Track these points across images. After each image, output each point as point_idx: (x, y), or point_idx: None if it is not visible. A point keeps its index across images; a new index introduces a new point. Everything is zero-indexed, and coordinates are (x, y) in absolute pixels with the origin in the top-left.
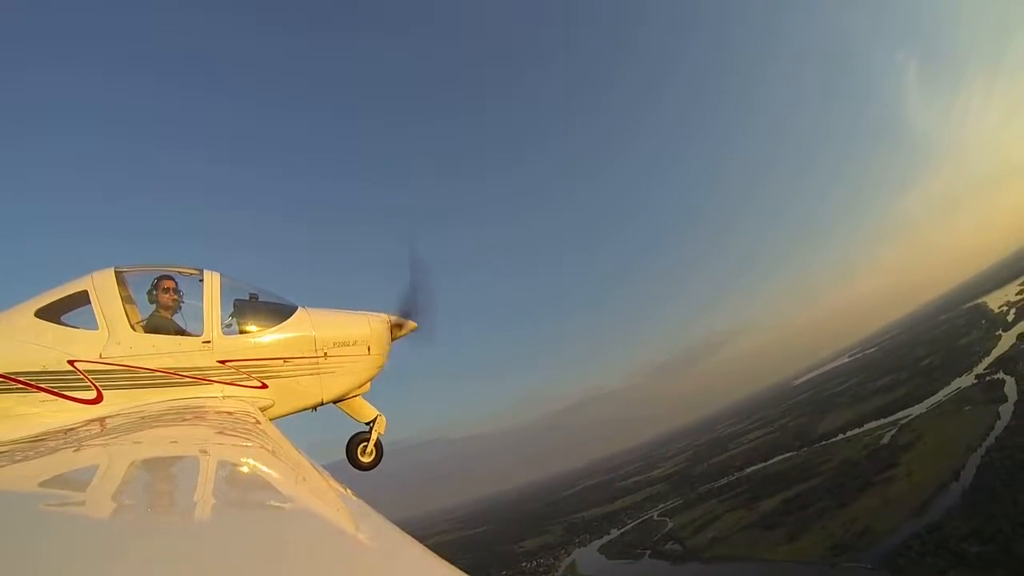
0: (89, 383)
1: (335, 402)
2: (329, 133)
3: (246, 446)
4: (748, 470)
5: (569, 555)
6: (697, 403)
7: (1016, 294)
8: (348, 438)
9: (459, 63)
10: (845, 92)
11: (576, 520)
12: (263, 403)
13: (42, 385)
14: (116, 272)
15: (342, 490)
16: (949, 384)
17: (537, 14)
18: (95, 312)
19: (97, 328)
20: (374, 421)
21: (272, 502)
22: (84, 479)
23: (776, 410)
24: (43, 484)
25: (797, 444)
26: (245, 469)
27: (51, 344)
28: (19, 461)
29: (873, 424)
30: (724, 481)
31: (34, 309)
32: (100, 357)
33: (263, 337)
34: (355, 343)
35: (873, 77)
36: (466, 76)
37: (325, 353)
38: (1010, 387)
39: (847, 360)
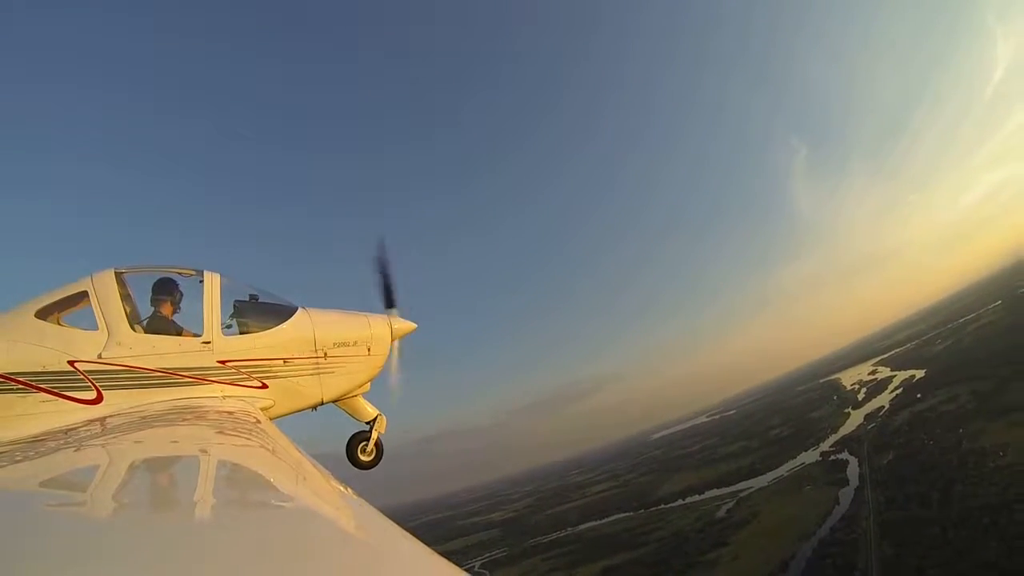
0: (89, 383)
1: (335, 402)
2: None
3: (246, 446)
4: (582, 527)
5: None
6: (556, 446)
7: (868, 374)
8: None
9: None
10: (741, 166)
11: None
12: (263, 403)
13: (42, 385)
14: (116, 273)
15: (342, 489)
16: (795, 458)
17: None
18: (95, 313)
19: (97, 329)
20: (374, 421)
21: (272, 501)
22: (85, 479)
23: (628, 463)
24: (43, 484)
25: (636, 504)
26: (245, 469)
27: (51, 344)
28: (19, 461)
29: (714, 492)
30: (555, 536)
31: (34, 309)
32: (100, 357)
33: (263, 337)
34: (355, 343)
35: (767, 156)
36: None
37: (325, 353)
38: (852, 469)
39: (705, 420)
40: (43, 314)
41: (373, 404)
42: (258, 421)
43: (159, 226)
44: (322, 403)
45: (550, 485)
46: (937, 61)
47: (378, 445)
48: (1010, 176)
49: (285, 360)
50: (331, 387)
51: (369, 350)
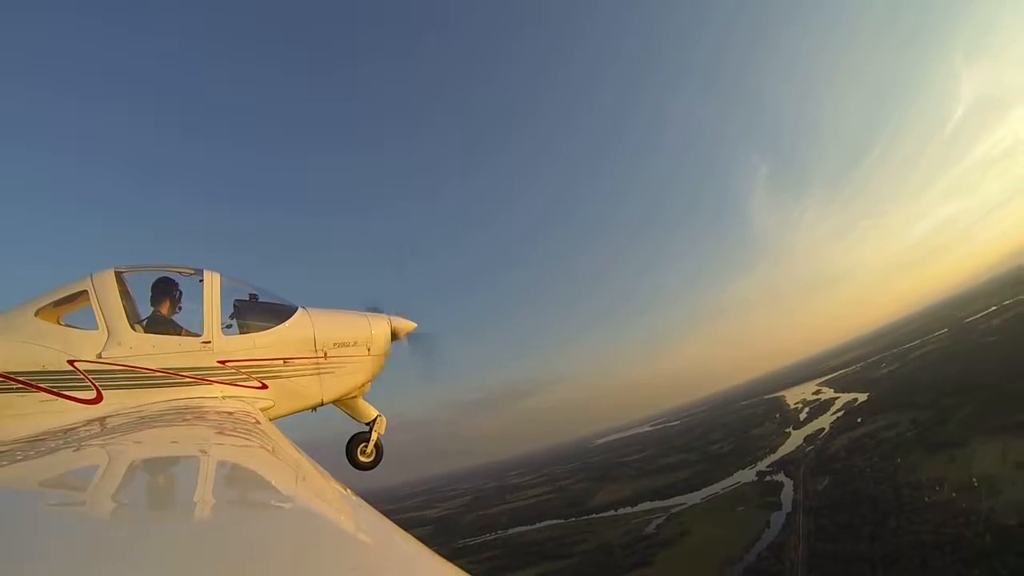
0: (89, 383)
1: (335, 402)
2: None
3: (246, 446)
4: (512, 531)
5: None
6: (503, 444)
7: (813, 393)
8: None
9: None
10: (711, 183)
11: None
12: (263, 403)
13: (42, 385)
14: (116, 272)
15: (341, 490)
16: (731, 475)
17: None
18: (95, 312)
19: (97, 328)
20: (374, 421)
21: (272, 502)
22: (84, 479)
23: (567, 468)
24: (43, 484)
25: (568, 512)
26: (245, 469)
27: (51, 344)
28: (19, 461)
29: (647, 506)
30: (484, 539)
31: (34, 309)
32: (100, 357)
33: (263, 338)
34: (355, 344)
35: (734, 174)
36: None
37: (325, 354)
38: (787, 493)
39: (649, 429)
40: (43, 313)
41: (373, 405)
42: (258, 421)
43: (159, 227)
44: (322, 404)
45: (489, 485)
46: (902, 95)
47: (378, 446)
48: (962, 209)
49: (285, 360)
50: (331, 387)
51: (369, 350)
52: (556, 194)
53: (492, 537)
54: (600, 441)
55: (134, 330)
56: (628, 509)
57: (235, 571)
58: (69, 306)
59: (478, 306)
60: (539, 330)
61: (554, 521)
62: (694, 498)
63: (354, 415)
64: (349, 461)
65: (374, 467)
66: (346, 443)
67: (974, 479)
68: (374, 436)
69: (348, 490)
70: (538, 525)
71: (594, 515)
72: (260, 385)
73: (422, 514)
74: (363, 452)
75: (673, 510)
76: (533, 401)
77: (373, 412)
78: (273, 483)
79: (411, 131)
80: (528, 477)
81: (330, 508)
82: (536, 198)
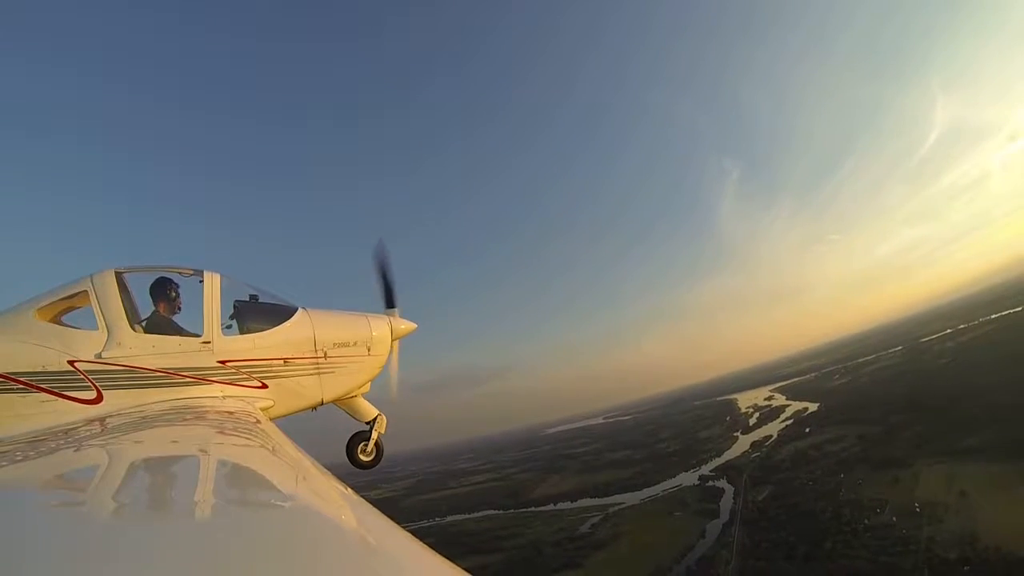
0: (89, 383)
1: (335, 402)
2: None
3: (247, 445)
4: (449, 518)
5: None
6: (455, 427)
7: (764, 399)
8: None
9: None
10: (682, 183)
11: None
12: (263, 403)
13: (42, 385)
14: (116, 273)
15: (342, 489)
16: (674, 477)
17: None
18: (95, 312)
19: (97, 328)
20: (374, 421)
21: (273, 501)
22: (84, 479)
23: (514, 456)
24: (43, 484)
25: (507, 503)
26: (245, 468)
27: (51, 344)
28: (19, 461)
29: (586, 502)
30: (420, 524)
31: (34, 309)
32: (100, 357)
33: (263, 338)
34: (355, 344)
35: (705, 177)
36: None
37: (325, 353)
38: (726, 501)
39: (601, 421)
40: (43, 314)
41: (373, 404)
42: (258, 421)
43: (160, 222)
44: (322, 403)
45: (435, 468)
46: (877, 114)
47: (378, 445)
48: (927, 234)
49: (285, 360)
50: (331, 387)
51: (369, 350)
52: (522, 185)
53: (430, 523)
54: (550, 431)
55: (134, 330)
56: (567, 504)
57: (237, 571)
58: (69, 306)
59: (436, 292)
60: (499, 318)
61: (492, 511)
62: (633, 498)
63: (355, 415)
64: (349, 460)
65: (375, 466)
66: (346, 442)
67: (916, 504)
68: (374, 435)
69: (349, 489)
70: (475, 515)
71: (532, 508)
72: (260, 385)
73: (365, 495)
74: (363, 451)
75: (611, 509)
76: (491, 387)
77: (373, 411)
78: (274, 482)
79: (376, 121)
80: (475, 463)
81: (331, 507)
82: (502, 188)
